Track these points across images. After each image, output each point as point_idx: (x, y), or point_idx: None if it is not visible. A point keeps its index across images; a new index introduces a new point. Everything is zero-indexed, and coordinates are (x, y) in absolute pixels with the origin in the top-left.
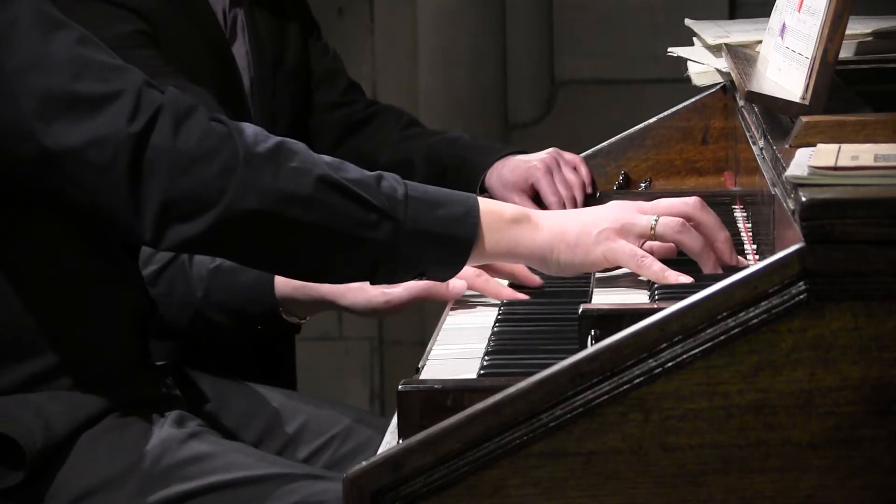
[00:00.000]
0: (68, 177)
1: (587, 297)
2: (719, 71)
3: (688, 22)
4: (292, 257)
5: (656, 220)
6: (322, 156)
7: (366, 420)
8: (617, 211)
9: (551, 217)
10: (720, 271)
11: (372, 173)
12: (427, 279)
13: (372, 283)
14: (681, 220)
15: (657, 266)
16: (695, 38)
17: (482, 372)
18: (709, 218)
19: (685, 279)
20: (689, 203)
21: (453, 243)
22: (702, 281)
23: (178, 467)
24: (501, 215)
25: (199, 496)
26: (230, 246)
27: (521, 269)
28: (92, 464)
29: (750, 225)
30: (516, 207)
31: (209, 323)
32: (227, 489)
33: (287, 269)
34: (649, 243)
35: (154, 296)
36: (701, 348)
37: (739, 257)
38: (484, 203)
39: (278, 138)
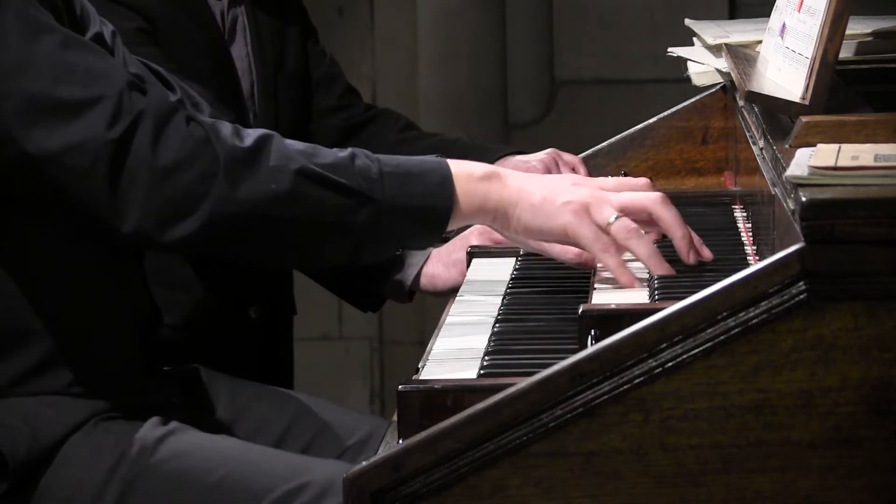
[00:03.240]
0: (50, 181)
1: (587, 297)
2: (719, 71)
3: (688, 22)
4: (277, 251)
5: (615, 218)
6: (294, 143)
7: (382, 429)
8: (583, 191)
9: (517, 175)
10: (671, 272)
11: (345, 153)
12: (406, 249)
13: (356, 265)
14: (636, 226)
15: (616, 261)
16: (695, 38)
17: (482, 372)
18: (668, 214)
19: (639, 284)
20: (652, 198)
21: (433, 214)
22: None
23: (155, 468)
24: (472, 175)
25: (178, 496)
26: (216, 247)
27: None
28: (74, 471)
29: (750, 225)
30: (485, 165)
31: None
32: (206, 487)
33: (272, 260)
34: None
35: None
36: (701, 348)
37: (705, 251)
38: (455, 165)
39: (253, 134)
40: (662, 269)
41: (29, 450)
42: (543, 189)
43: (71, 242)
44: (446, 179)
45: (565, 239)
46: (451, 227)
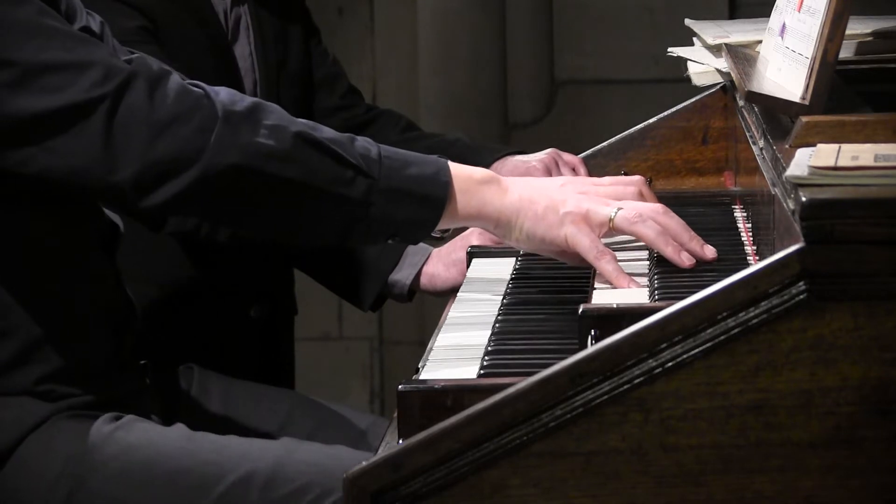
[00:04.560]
0: (40, 143)
1: (587, 297)
2: (719, 71)
3: (688, 22)
4: (269, 214)
5: (616, 212)
6: (297, 119)
7: (377, 426)
8: (582, 200)
9: (519, 183)
10: (686, 260)
11: (345, 134)
12: (399, 241)
13: (345, 245)
14: (637, 211)
15: (612, 266)
16: (695, 38)
17: (482, 372)
18: (671, 222)
19: (635, 286)
20: (654, 209)
21: (427, 201)
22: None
23: (103, 466)
24: (471, 176)
25: (126, 492)
26: (208, 206)
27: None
28: (27, 471)
29: (750, 225)
30: (485, 170)
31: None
32: (153, 481)
33: (264, 226)
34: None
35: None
36: (701, 348)
37: (709, 247)
38: (454, 165)
39: (253, 99)
40: (672, 248)
41: None
42: (545, 198)
43: (35, 238)
44: (443, 170)
45: (565, 247)
46: (447, 224)
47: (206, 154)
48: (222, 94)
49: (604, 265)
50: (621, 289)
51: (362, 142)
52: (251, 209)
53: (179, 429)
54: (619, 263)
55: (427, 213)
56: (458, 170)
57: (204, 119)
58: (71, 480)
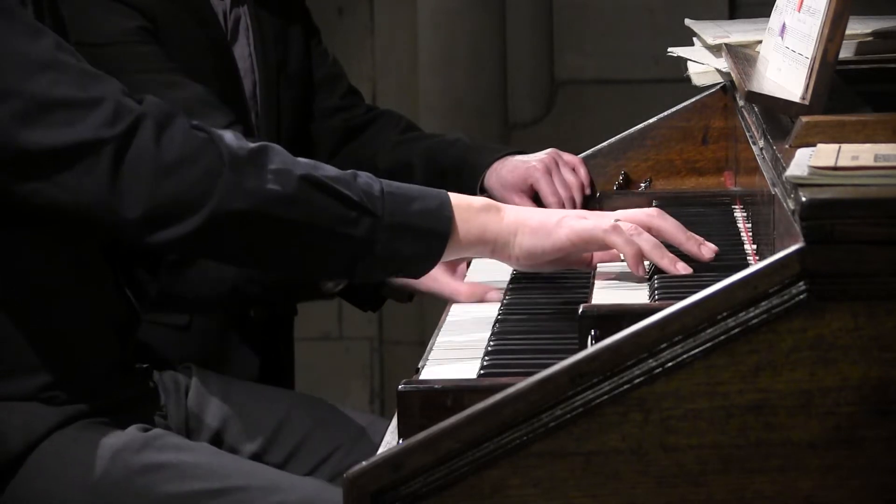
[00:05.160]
0: (49, 178)
1: (587, 297)
2: (719, 71)
3: (688, 22)
4: (275, 256)
5: (614, 220)
6: (298, 158)
7: (376, 425)
8: (577, 210)
9: (515, 207)
10: (680, 269)
11: (347, 172)
12: (403, 276)
13: (350, 281)
14: (634, 224)
15: (623, 237)
16: (695, 38)
17: (482, 372)
18: (667, 224)
19: (648, 255)
20: (648, 212)
21: (431, 236)
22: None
23: (127, 480)
24: (471, 205)
25: None
26: (215, 247)
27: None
28: (43, 479)
29: (750, 225)
30: (483, 199)
31: (244, 298)
32: (180, 500)
33: (269, 266)
34: (598, 254)
35: (188, 273)
36: (701, 348)
37: (708, 246)
38: (454, 196)
39: (257, 143)
40: (668, 260)
41: None
42: (538, 215)
43: (35, 247)
44: (445, 204)
45: (568, 251)
46: (449, 256)
47: (212, 199)
48: (227, 137)
49: (615, 238)
50: (629, 282)
51: (364, 178)
52: (256, 251)
53: (206, 448)
54: (619, 265)
55: (431, 248)
56: (457, 200)
57: (210, 163)
58: (92, 493)
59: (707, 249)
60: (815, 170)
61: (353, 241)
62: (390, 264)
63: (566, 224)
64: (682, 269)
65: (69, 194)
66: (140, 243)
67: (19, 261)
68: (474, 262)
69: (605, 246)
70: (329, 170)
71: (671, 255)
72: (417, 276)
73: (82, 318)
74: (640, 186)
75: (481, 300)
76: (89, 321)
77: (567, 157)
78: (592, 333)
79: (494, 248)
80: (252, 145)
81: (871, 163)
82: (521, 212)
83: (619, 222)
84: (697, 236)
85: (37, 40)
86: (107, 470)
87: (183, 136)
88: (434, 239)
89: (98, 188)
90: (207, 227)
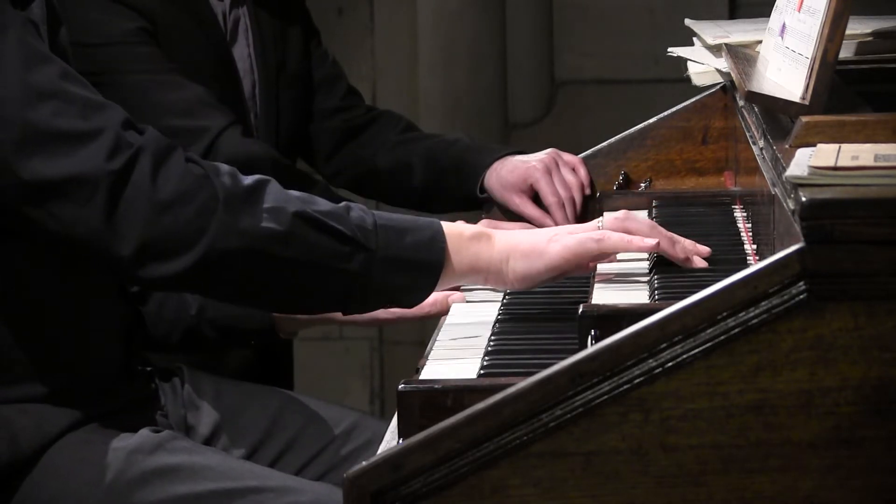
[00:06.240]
0: (47, 209)
1: (587, 297)
2: (719, 71)
3: (688, 22)
4: (269, 293)
5: (601, 222)
6: (292, 191)
7: (365, 421)
8: (566, 227)
9: (504, 233)
10: (678, 252)
11: (340, 204)
12: (398, 306)
13: (344, 314)
14: (623, 210)
15: (616, 236)
16: (695, 38)
17: (482, 372)
18: (639, 225)
19: (651, 242)
20: (616, 216)
21: (424, 267)
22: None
23: (142, 481)
24: (462, 235)
25: None
26: (208, 284)
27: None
28: (56, 478)
29: (750, 225)
30: (474, 227)
31: (201, 339)
32: (193, 502)
33: (263, 303)
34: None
35: (145, 312)
36: (701, 348)
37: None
38: (446, 226)
39: (252, 178)
40: (667, 240)
41: (10, 454)
42: (531, 235)
43: (42, 256)
44: (438, 234)
45: (563, 269)
46: (443, 286)
47: (206, 237)
48: (223, 171)
49: (608, 242)
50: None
51: (357, 211)
52: (250, 288)
53: (216, 451)
54: (619, 265)
55: (425, 280)
56: (449, 229)
57: (205, 201)
58: (104, 492)
59: (681, 248)
60: (815, 170)
61: (348, 276)
62: (384, 296)
63: (557, 242)
64: (681, 251)
65: (64, 226)
66: (133, 278)
67: (27, 269)
68: None
69: (599, 257)
70: (322, 204)
71: (670, 234)
72: (411, 306)
73: (89, 322)
74: (641, 186)
75: (444, 308)
76: (96, 324)
77: (567, 157)
78: (592, 333)
79: (487, 276)
80: (247, 181)
81: (871, 163)
82: (511, 237)
83: (602, 229)
84: (672, 234)
85: (43, 67)
86: (121, 470)
87: (179, 173)
88: (428, 270)
89: (93, 222)
90: (201, 264)
